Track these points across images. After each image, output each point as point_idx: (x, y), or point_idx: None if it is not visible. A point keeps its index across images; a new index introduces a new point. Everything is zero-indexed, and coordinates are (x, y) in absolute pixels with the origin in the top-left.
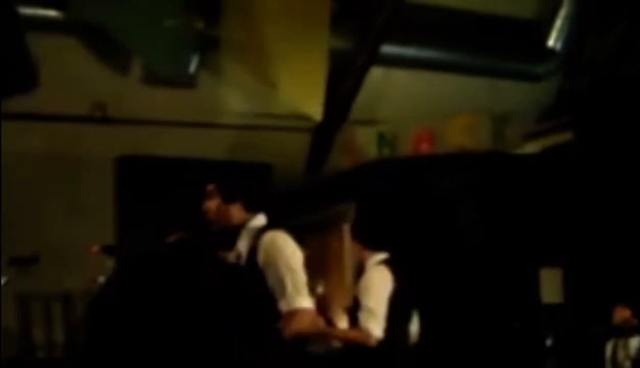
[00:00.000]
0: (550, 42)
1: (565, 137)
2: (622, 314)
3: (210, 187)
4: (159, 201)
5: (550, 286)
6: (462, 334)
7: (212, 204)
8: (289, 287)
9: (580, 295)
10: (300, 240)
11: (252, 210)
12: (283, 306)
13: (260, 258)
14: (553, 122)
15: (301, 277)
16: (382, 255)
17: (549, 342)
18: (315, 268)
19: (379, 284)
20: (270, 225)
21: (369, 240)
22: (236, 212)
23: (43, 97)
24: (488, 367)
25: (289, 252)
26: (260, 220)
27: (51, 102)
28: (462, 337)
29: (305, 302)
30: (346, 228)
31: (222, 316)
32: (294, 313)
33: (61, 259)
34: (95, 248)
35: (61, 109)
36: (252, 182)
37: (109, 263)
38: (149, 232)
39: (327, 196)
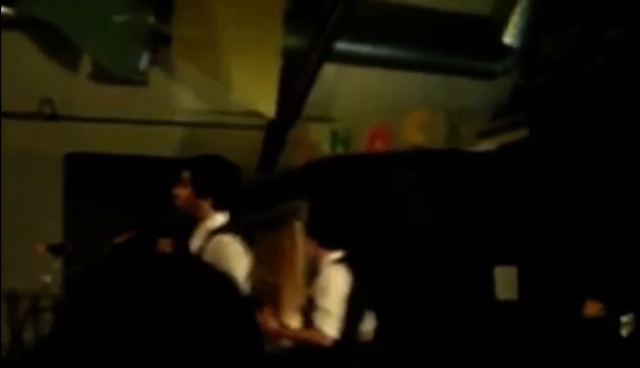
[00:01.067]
0: (506, 40)
1: (520, 134)
2: (592, 308)
3: (185, 174)
4: (108, 199)
5: (505, 284)
6: (416, 332)
7: (183, 192)
8: None
9: (536, 293)
10: (251, 238)
11: (221, 209)
12: None
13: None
14: (508, 120)
15: (241, 287)
16: (338, 254)
17: (504, 338)
18: (267, 266)
19: (335, 284)
20: (224, 229)
21: (323, 239)
22: (204, 207)
23: None
24: (443, 363)
25: (232, 259)
26: (217, 221)
27: None
28: (417, 335)
29: None
30: (298, 226)
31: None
32: None
33: (7, 257)
34: (41, 247)
35: (9, 105)
36: (226, 179)
37: (56, 262)
38: (97, 231)
39: (279, 193)
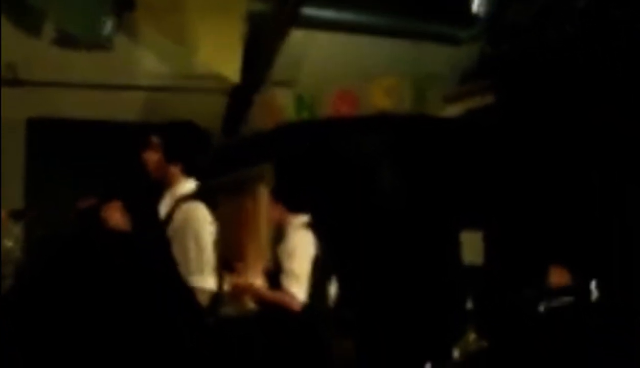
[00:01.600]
0: (474, 6)
1: (486, 100)
2: (559, 276)
3: (154, 139)
4: (71, 165)
5: (472, 248)
6: (381, 296)
7: (153, 157)
8: (192, 264)
9: (501, 258)
10: (215, 202)
11: (191, 175)
12: (192, 282)
13: (171, 227)
14: (475, 85)
15: (207, 255)
16: (304, 218)
17: (469, 304)
18: (232, 230)
19: (302, 247)
20: (191, 196)
21: (288, 203)
22: (174, 173)
23: None
24: (408, 328)
25: (198, 228)
26: (185, 187)
27: None
28: (382, 299)
29: (205, 282)
30: (262, 190)
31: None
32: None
33: None
34: (2, 213)
35: None
36: (196, 144)
37: (17, 227)
38: (60, 196)
39: (244, 158)
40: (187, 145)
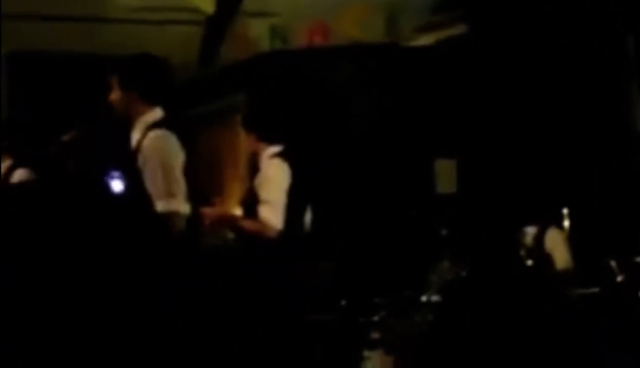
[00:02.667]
0: None
1: (458, 30)
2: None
3: (113, 78)
4: (51, 98)
5: (445, 177)
6: (358, 224)
7: (115, 95)
8: (162, 189)
9: (474, 187)
10: (194, 133)
11: (150, 101)
12: (157, 206)
13: (140, 155)
14: (446, 15)
15: (177, 181)
16: (277, 148)
17: (443, 232)
18: (211, 161)
19: (277, 177)
20: (159, 124)
21: (262, 132)
22: (135, 102)
23: None
24: (385, 255)
25: (165, 154)
26: (155, 114)
27: None
28: (359, 227)
29: (178, 206)
30: (239, 120)
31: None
32: (166, 216)
33: None
34: None
35: None
36: (150, 72)
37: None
38: (39, 130)
39: (220, 89)
40: (140, 73)
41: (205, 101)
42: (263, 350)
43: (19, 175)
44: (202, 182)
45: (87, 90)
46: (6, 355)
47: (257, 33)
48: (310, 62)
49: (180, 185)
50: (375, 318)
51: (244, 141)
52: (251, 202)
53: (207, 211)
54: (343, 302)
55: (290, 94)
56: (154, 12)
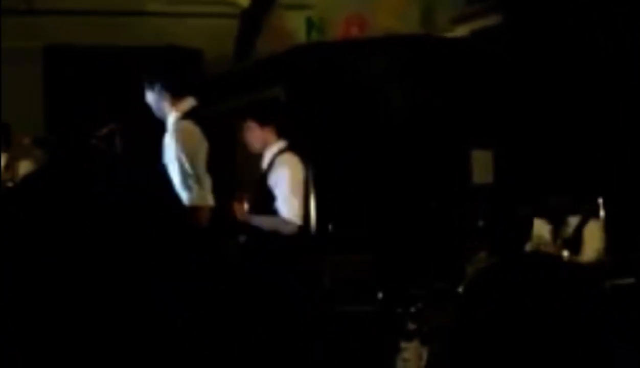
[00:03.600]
0: None
1: (493, 20)
2: None
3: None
4: (88, 90)
5: (482, 168)
6: (396, 215)
7: (149, 96)
8: (188, 180)
9: (510, 177)
10: (232, 125)
11: (176, 94)
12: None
13: (171, 150)
14: (481, 5)
15: (200, 172)
16: (284, 143)
17: (479, 222)
18: (245, 153)
19: (295, 173)
20: (187, 115)
21: (281, 126)
22: (162, 97)
23: None
24: (421, 246)
25: (189, 146)
26: (183, 106)
27: None
28: (396, 218)
29: (203, 200)
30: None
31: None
32: (192, 210)
33: None
34: (27, 139)
35: None
36: (172, 65)
37: (39, 152)
38: (79, 122)
39: (256, 81)
40: (164, 68)
41: (241, 94)
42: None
43: (24, 167)
44: (238, 174)
45: (123, 83)
46: (6, 354)
47: (293, 25)
48: (347, 53)
49: (202, 176)
50: (412, 309)
51: (252, 135)
52: (263, 199)
53: (238, 206)
54: (380, 294)
55: (327, 86)
56: (190, 5)
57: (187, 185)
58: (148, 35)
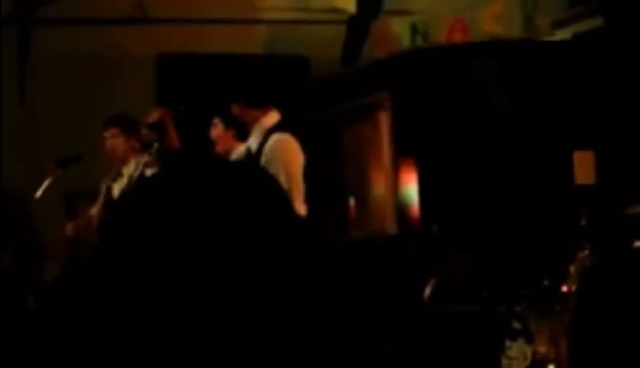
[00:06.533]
0: None
1: (595, 23)
2: None
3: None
4: (199, 98)
5: (584, 168)
6: (498, 216)
7: (234, 109)
8: (292, 194)
9: (612, 177)
10: (338, 131)
11: (258, 106)
12: None
13: (263, 158)
14: (583, 8)
15: (296, 182)
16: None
17: (583, 222)
18: (356, 158)
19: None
20: (279, 127)
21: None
22: (243, 108)
23: (82, 0)
24: (524, 246)
25: (288, 157)
26: (272, 118)
27: (91, 5)
28: (499, 218)
29: (298, 208)
30: (383, 118)
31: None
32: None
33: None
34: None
35: (103, 11)
36: (252, 77)
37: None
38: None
39: (361, 86)
40: (242, 81)
41: (347, 99)
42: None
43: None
44: (346, 179)
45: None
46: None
47: (398, 31)
48: (450, 58)
49: (300, 188)
50: (517, 308)
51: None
52: None
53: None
54: (485, 293)
55: (431, 91)
56: (298, 12)
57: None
58: (257, 43)
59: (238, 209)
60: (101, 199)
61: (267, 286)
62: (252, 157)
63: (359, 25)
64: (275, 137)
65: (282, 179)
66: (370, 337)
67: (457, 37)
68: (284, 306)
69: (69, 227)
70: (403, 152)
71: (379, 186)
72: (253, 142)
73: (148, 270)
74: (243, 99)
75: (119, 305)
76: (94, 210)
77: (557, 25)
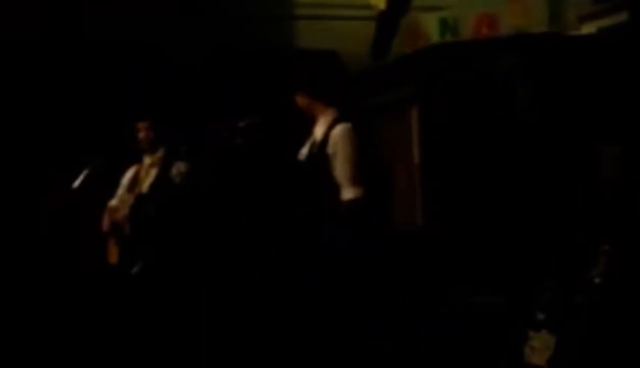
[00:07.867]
0: None
1: (620, 17)
2: None
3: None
4: (234, 91)
5: (609, 163)
6: (523, 208)
7: (300, 101)
8: (351, 177)
9: (637, 172)
10: (366, 124)
11: (327, 101)
12: (344, 194)
13: (330, 148)
14: (609, 3)
15: (358, 169)
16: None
17: (608, 215)
18: (385, 151)
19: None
20: (342, 118)
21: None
22: (314, 104)
23: None
24: (549, 237)
25: (350, 147)
26: (334, 111)
27: None
28: (523, 211)
29: (361, 192)
30: (414, 112)
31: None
32: (352, 201)
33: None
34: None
35: None
36: (312, 70)
37: None
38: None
39: (391, 81)
40: (317, 80)
41: (377, 93)
42: None
43: (177, 168)
44: (376, 172)
45: (266, 83)
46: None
47: (427, 26)
48: (477, 52)
49: (360, 173)
50: (541, 299)
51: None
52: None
53: None
54: (509, 284)
55: (458, 85)
56: (328, 8)
57: (352, 181)
58: (289, 37)
59: (248, 209)
60: (122, 191)
61: (271, 285)
62: (318, 146)
63: (389, 21)
64: (342, 127)
65: (348, 166)
66: (370, 337)
67: (485, 32)
68: (286, 305)
69: (105, 223)
70: (430, 146)
71: (406, 179)
72: (318, 132)
73: None
74: (310, 91)
75: None
76: (115, 202)
77: (583, 19)
